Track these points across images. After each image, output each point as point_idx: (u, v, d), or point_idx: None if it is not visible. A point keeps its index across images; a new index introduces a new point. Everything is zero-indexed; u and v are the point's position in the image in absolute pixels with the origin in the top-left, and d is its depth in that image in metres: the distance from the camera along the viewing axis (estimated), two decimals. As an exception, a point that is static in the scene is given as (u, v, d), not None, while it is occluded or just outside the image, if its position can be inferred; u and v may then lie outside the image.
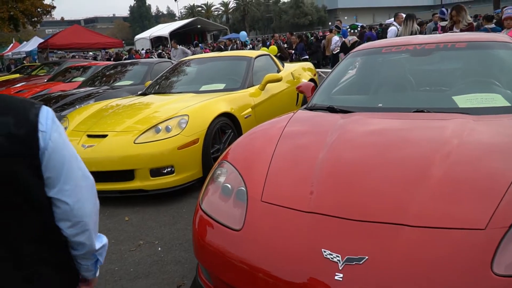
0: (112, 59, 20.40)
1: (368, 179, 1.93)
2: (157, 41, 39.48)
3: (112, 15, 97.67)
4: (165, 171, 3.72)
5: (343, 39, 8.63)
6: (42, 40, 21.95)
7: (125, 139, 3.79)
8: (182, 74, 5.75)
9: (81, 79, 9.55)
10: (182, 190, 3.84)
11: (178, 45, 11.54)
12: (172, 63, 8.83)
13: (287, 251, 1.69)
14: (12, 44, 33.45)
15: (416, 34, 6.82)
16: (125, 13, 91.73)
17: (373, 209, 1.73)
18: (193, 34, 44.06)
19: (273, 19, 75.02)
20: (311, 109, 3.12)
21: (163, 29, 42.42)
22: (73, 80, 9.65)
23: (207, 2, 80.00)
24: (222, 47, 14.69)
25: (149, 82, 5.96)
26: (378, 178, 1.92)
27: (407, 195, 1.75)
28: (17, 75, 13.93)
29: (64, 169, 1.02)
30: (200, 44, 27.92)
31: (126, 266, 2.69)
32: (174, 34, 39.20)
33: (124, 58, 17.97)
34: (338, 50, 11.78)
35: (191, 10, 78.15)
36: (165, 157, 3.67)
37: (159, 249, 2.90)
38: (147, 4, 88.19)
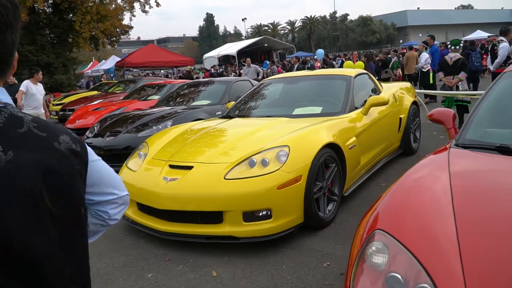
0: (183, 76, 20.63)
1: None
2: (224, 60, 40.09)
3: (182, 35, 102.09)
4: (260, 215, 3.04)
5: (445, 55, 7.54)
6: (119, 59, 22.88)
7: (214, 173, 3.17)
8: (270, 95, 5.12)
9: (156, 97, 9.37)
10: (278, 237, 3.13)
11: (251, 63, 11.07)
12: (251, 82, 8.33)
13: None
14: (92, 63, 35.69)
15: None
16: (195, 33, 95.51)
17: None
18: (260, 53, 44.37)
19: (340, 37, 73.85)
20: (467, 147, 2.28)
21: (230, 48, 43.12)
22: (148, 98, 9.50)
23: (274, 21, 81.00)
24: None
25: (232, 103, 5.40)
26: None
27: None
28: (95, 92, 14.34)
29: (105, 176, 1.08)
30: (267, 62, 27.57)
31: None
32: (241, 52, 39.62)
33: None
34: (428, 68, 10.69)
35: (258, 30, 79.38)
36: (262, 198, 2.98)
37: (263, 330, 2.19)
38: (215, 24, 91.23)
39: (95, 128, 6.71)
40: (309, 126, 3.65)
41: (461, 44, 7.47)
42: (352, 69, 5.15)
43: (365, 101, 4.56)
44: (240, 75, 19.67)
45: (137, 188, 3.48)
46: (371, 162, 4.49)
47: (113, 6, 22.28)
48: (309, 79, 5.09)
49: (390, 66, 13.17)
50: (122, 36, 25.14)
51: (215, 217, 3.07)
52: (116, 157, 5.92)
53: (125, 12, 22.95)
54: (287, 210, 3.08)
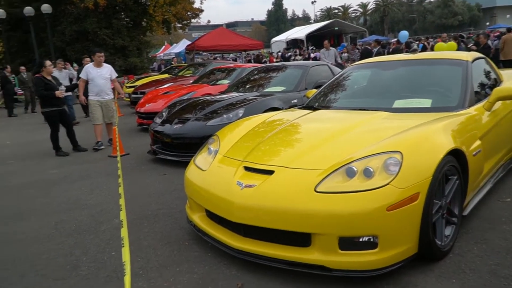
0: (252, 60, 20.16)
1: None
2: (293, 44, 39.04)
3: (250, 19, 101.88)
4: (361, 241, 2.33)
5: None
6: (189, 42, 22.95)
7: (301, 183, 2.51)
8: (361, 83, 4.32)
9: (225, 81, 8.92)
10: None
11: (330, 47, 10.17)
12: (329, 67, 7.53)
13: None
14: (164, 46, 36.56)
15: None
16: (263, 17, 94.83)
17: None
18: (329, 37, 42.72)
19: (416, 20, 69.10)
20: None
21: (299, 32, 41.89)
22: (218, 83, 9.07)
23: (344, 4, 77.64)
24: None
25: (313, 90, 4.67)
26: None
27: None
28: (166, 75, 14.33)
29: None
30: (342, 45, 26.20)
31: None
32: (310, 36, 38.29)
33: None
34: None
35: (327, 13, 76.76)
36: (366, 221, 2.27)
37: None
38: (283, 8, 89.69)
39: (164, 113, 6.37)
40: (422, 125, 2.84)
41: None
42: (468, 53, 4.16)
43: (476, 93, 3.59)
44: (308, 59, 18.71)
45: (206, 192, 2.93)
46: (492, 171, 3.57)
47: (185, -12, 22.26)
48: (410, 64, 4.19)
49: None
50: (192, 20, 25.18)
51: (301, 238, 2.42)
52: (184, 146, 5.51)
53: (196, -5, 22.85)
54: (398, 238, 2.34)
